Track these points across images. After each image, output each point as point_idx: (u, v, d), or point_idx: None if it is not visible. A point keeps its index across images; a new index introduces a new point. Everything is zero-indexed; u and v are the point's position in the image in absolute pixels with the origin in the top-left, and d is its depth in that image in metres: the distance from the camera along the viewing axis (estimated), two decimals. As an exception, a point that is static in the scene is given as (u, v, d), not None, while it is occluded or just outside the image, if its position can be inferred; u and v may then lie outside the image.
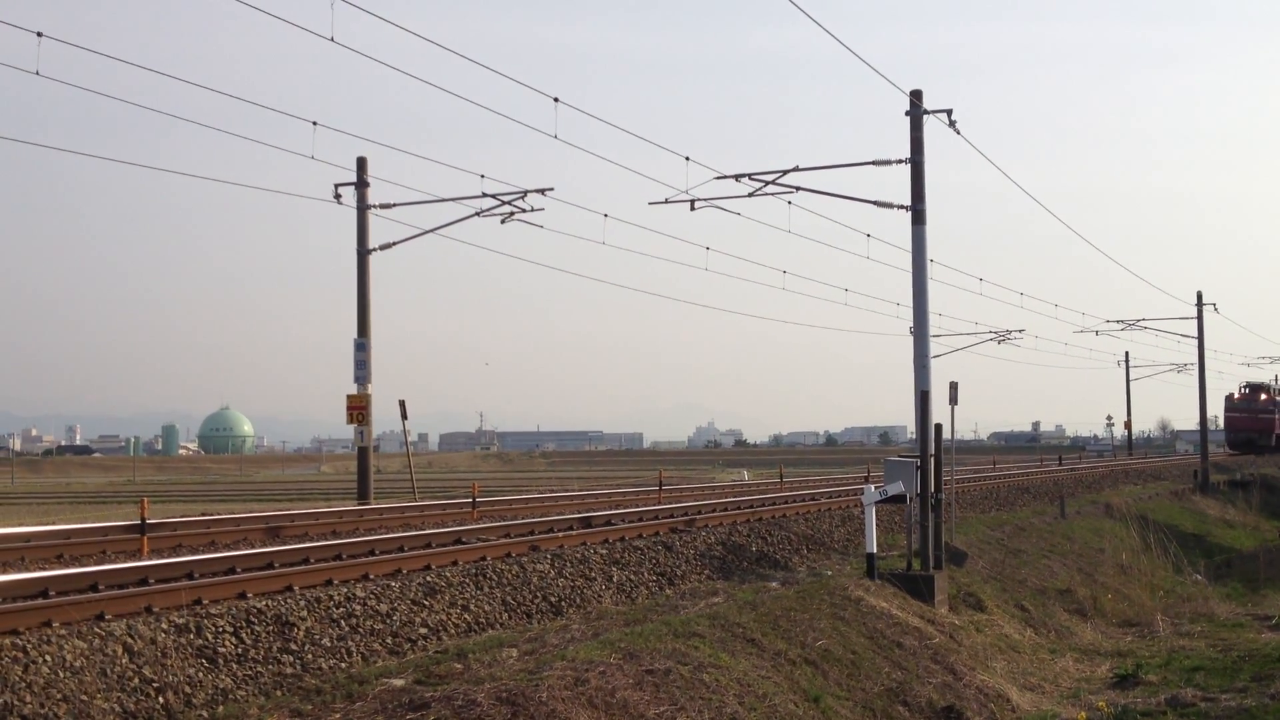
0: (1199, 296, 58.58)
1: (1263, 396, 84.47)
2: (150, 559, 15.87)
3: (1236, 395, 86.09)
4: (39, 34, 17.95)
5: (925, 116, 21.00)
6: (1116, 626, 23.75)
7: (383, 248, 31.56)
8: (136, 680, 10.21)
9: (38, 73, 18.35)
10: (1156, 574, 28.75)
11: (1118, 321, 58.96)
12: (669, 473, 40.66)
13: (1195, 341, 58.82)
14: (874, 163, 22.14)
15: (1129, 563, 29.42)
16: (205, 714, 10.14)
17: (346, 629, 12.51)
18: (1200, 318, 58.27)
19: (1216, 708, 15.81)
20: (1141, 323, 59.42)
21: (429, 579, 14.50)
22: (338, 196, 30.73)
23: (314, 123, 24.43)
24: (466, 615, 14.09)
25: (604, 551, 17.89)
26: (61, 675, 9.79)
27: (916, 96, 20.95)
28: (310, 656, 11.75)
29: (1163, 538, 31.58)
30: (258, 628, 11.76)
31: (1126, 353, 79.33)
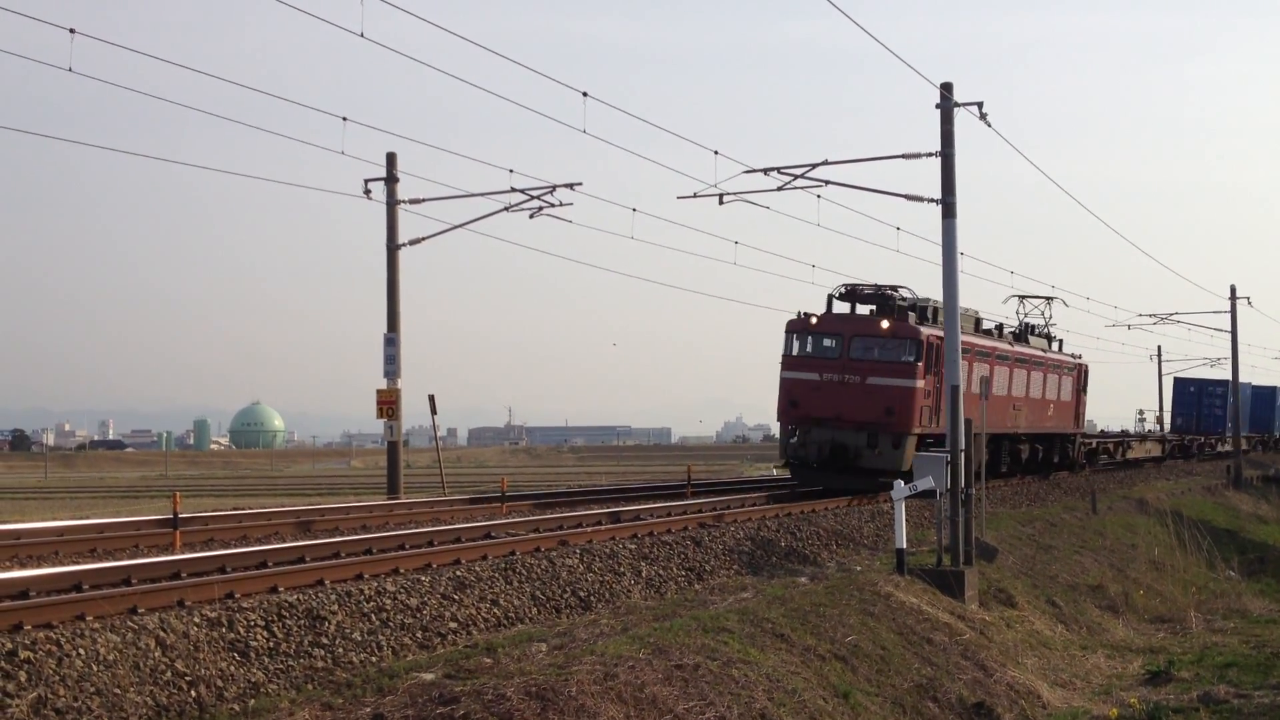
0: (1232, 290, 57.96)
1: None
2: (182, 553, 15.99)
3: None
4: (71, 30, 18.07)
5: (956, 109, 20.88)
6: (1148, 623, 23.58)
7: (412, 243, 31.64)
8: (169, 674, 10.28)
9: (70, 69, 18.48)
10: (1189, 570, 28.54)
11: (1150, 315, 58.41)
12: (697, 468, 40.71)
13: (1229, 335, 58.25)
14: (904, 156, 22.04)
15: (1161, 559, 29.20)
16: (237, 707, 10.20)
17: (377, 623, 12.56)
18: (1234, 311, 57.67)
19: (1249, 704, 15.68)
20: (1174, 316, 58.90)
21: (458, 573, 14.54)
22: (367, 192, 30.81)
23: (344, 118, 24.52)
24: (496, 610, 14.13)
25: (633, 546, 17.89)
26: (95, 669, 9.87)
27: (947, 89, 20.83)
28: (341, 650, 11.81)
29: (1195, 533, 31.33)
30: (289, 621, 11.82)
31: (1159, 346, 78.53)
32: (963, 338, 28.04)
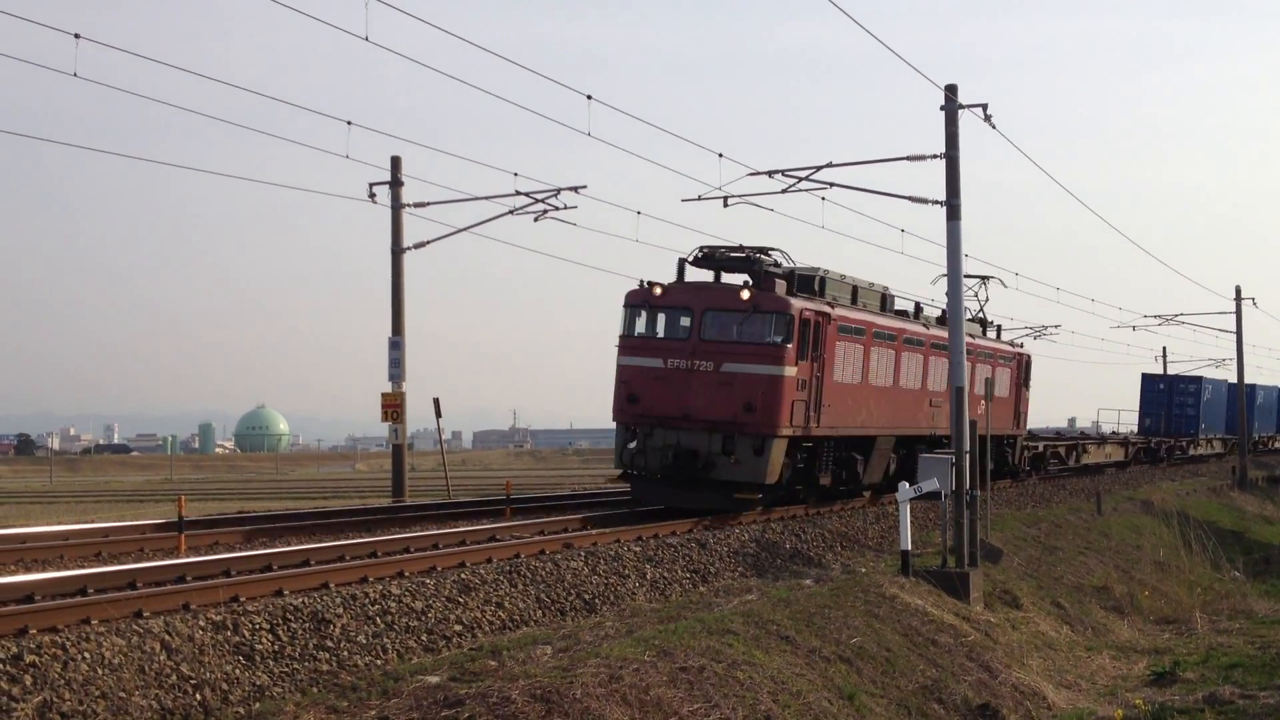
0: (1237, 291, 57.83)
1: None
2: (187, 557, 16.00)
3: None
4: (76, 35, 18.10)
5: (960, 111, 20.87)
6: (1154, 624, 23.56)
7: (417, 246, 31.65)
8: (174, 677, 10.29)
9: (75, 74, 18.52)
10: (1194, 571, 28.49)
11: (1155, 316, 58.24)
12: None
13: (1234, 336, 58.14)
14: (908, 158, 22.02)
15: (1166, 560, 29.17)
16: (242, 711, 10.21)
17: (382, 626, 12.57)
18: (1239, 312, 57.54)
19: (1255, 705, 15.66)
20: (1179, 317, 58.77)
21: (463, 576, 14.55)
22: (372, 196, 30.83)
23: (349, 122, 24.53)
24: (501, 612, 14.13)
25: (637, 549, 17.89)
26: (100, 672, 9.89)
27: (951, 91, 20.82)
28: (346, 653, 11.82)
29: (1201, 534, 31.27)
30: (294, 625, 11.83)
31: (1164, 348, 78.42)
32: (861, 316, 25.07)
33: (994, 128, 21.38)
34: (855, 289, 26.11)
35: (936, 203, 21.19)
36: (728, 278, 24.20)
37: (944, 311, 30.35)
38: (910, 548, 19.24)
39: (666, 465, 22.31)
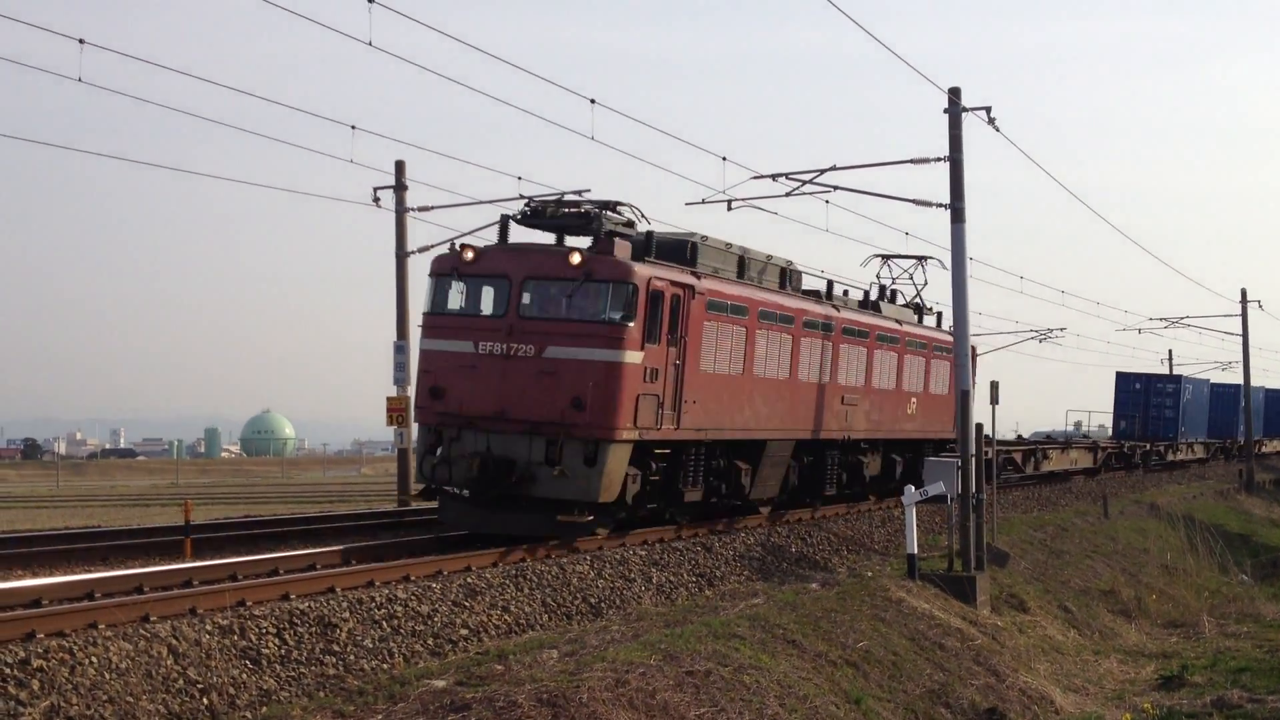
0: (1243, 294, 57.76)
1: None
2: (194, 561, 16.01)
3: None
4: (81, 41, 18.13)
5: (964, 114, 20.88)
6: (1161, 627, 23.52)
7: (421, 250, 31.64)
8: (181, 681, 10.30)
9: (80, 79, 18.54)
10: (1202, 574, 28.47)
11: (1161, 319, 58.18)
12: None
13: (1240, 339, 58.04)
14: (912, 161, 22.03)
15: (1174, 563, 29.14)
16: (249, 715, 10.21)
17: (388, 630, 12.57)
18: (1245, 315, 57.47)
19: (1263, 709, 15.64)
20: (1185, 320, 58.69)
21: (469, 580, 14.55)
22: (376, 200, 30.82)
23: (353, 127, 24.54)
24: (507, 616, 14.13)
25: (643, 553, 17.88)
26: (107, 677, 9.89)
27: (955, 94, 20.83)
28: (352, 657, 11.82)
29: (1208, 538, 31.25)
30: (300, 629, 11.84)
31: (1170, 351, 78.29)
32: (743, 292, 20.55)
33: (998, 130, 21.41)
34: (744, 260, 21.54)
35: (941, 206, 21.21)
36: (577, 243, 19.03)
37: (866, 294, 27.48)
38: (916, 551, 19.24)
39: (473, 479, 17.43)
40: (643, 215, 19.58)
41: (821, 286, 25.04)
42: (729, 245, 21.20)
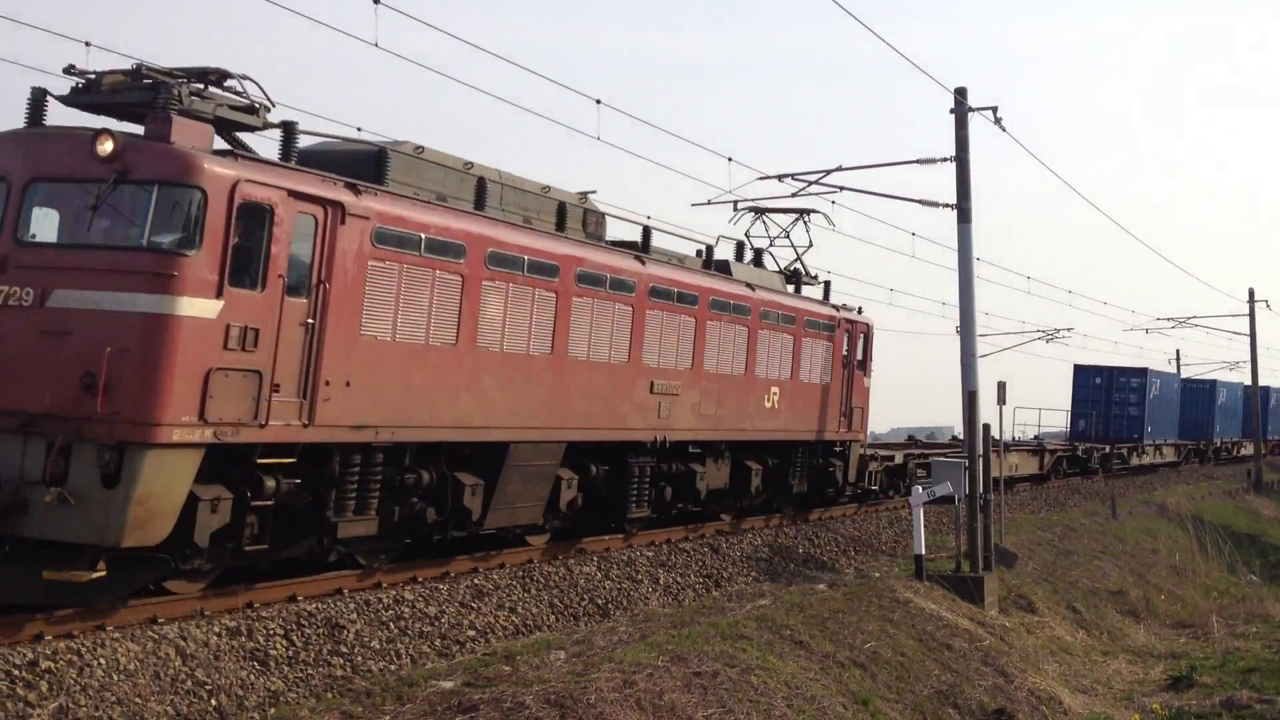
0: (1250, 294, 57.65)
1: None
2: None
3: None
4: (87, 43, 18.15)
5: (970, 114, 20.88)
6: (1170, 628, 23.49)
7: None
8: (189, 683, 10.32)
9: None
10: (1210, 575, 28.43)
11: (1168, 319, 58.08)
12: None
13: (1247, 339, 57.99)
14: (918, 161, 22.02)
15: (1182, 563, 29.10)
16: (257, 716, 10.23)
17: (395, 631, 12.58)
18: (1252, 315, 57.39)
19: (1272, 709, 15.61)
20: (1192, 320, 58.61)
21: (476, 581, 14.55)
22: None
23: (358, 129, 24.54)
24: (514, 617, 14.13)
25: (650, 554, 17.88)
26: (116, 678, 9.91)
27: (961, 94, 20.83)
28: (360, 659, 11.83)
29: (1216, 538, 31.19)
30: (308, 630, 11.85)
31: (1178, 350, 78.21)
32: (458, 224, 14.14)
33: (1004, 130, 21.40)
34: (484, 185, 15.42)
35: (947, 206, 21.21)
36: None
37: (708, 250, 21.08)
38: (924, 552, 19.22)
39: None
40: (271, 101, 12.90)
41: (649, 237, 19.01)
42: (469, 165, 15.30)
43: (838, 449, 24.21)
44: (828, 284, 25.18)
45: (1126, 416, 49.29)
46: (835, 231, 26.28)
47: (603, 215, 17.87)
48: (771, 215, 25.00)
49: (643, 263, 17.90)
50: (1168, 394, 53.24)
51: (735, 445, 20.46)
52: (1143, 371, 50.11)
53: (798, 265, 24.69)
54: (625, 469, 17.57)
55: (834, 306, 24.26)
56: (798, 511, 23.73)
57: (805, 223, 25.03)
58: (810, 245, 25.07)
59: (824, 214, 24.91)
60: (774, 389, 21.29)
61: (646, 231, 18.91)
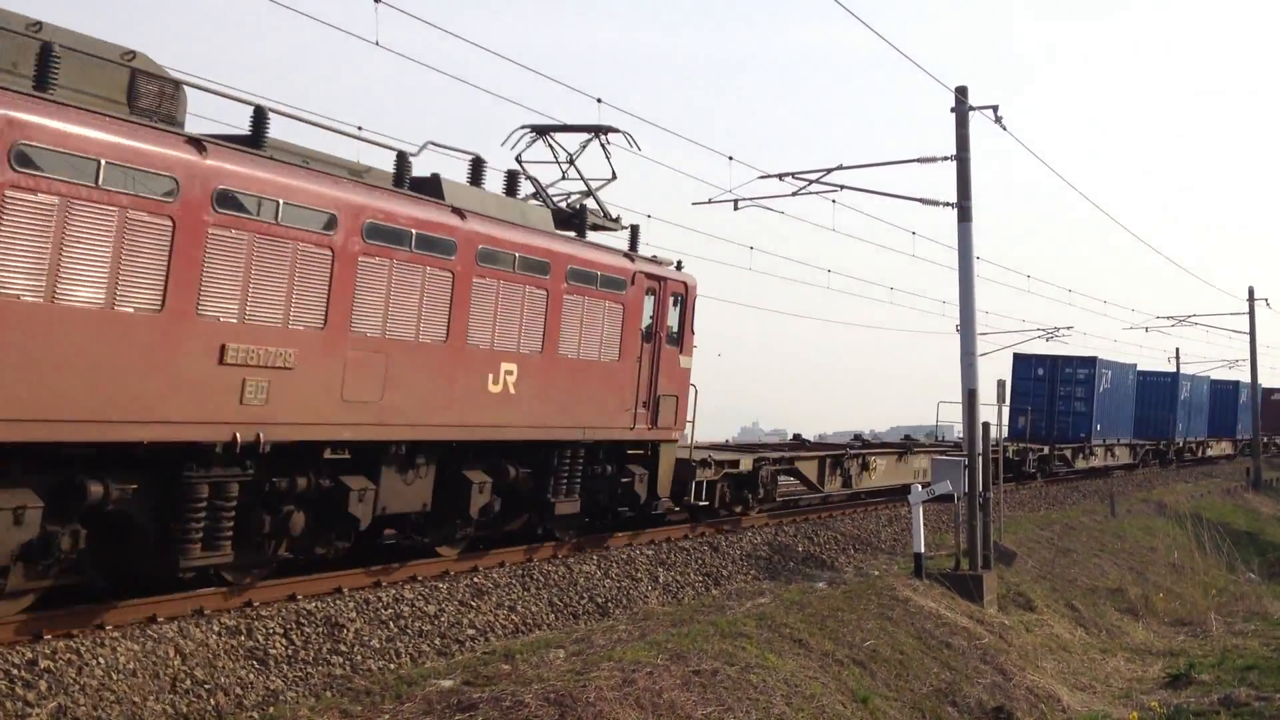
0: (1250, 292, 57.70)
1: None
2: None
3: None
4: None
5: (970, 113, 20.87)
6: (1168, 626, 23.50)
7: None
8: (188, 682, 10.32)
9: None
10: (1209, 573, 28.43)
11: (1168, 317, 58.07)
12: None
13: (1247, 338, 58.01)
14: (919, 160, 22.01)
15: (1181, 561, 29.10)
16: (256, 715, 10.23)
17: (395, 630, 12.58)
18: (1252, 313, 57.41)
19: (1271, 707, 15.62)
20: (1192, 319, 58.60)
21: (476, 580, 14.56)
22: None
23: (359, 127, 24.54)
24: (514, 616, 14.14)
25: (650, 552, 17.88)
26: (114, 677, 9.91)
27: (962, 93, 20.83)
28: (359, 658, 11.83)
29: (1215, 536, 31.20)
30: (307, 629, 11.85)
31: (1177, 349, 78.29)
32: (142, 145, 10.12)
33: (1005, 129, 21.39)
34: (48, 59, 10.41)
35: (948, 205, 21.19)
36: None
37: (437, 177, 14.89)
38: (923, 550, 19.23)
39: None
40: None
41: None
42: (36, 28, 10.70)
43: (638, 452, 18.50)
44: (635, 228, 18.97)
45: (1072, 413, 42.93)
46: (835, 231, 26.29)
47: (177, 84, 11.73)
48: (556, 136, 18.66)
49: (201, 152, 10.96)
50: (1121, 387, 46.35)
51: (440, 448, 14.49)
52: (1091, 361, 43.20)
53: (586, 201, 18.50)
54: (179, 491, 11.21)
55: (632, 257, 17.89)
56: (581, 537, 17.70)
57: (604, 146, 18.59)
58: (614, 177, 18.93)
59: (625, 134, 18.54)
60: (508, 366, 15.05)
61: (260, 113, 12.14)
